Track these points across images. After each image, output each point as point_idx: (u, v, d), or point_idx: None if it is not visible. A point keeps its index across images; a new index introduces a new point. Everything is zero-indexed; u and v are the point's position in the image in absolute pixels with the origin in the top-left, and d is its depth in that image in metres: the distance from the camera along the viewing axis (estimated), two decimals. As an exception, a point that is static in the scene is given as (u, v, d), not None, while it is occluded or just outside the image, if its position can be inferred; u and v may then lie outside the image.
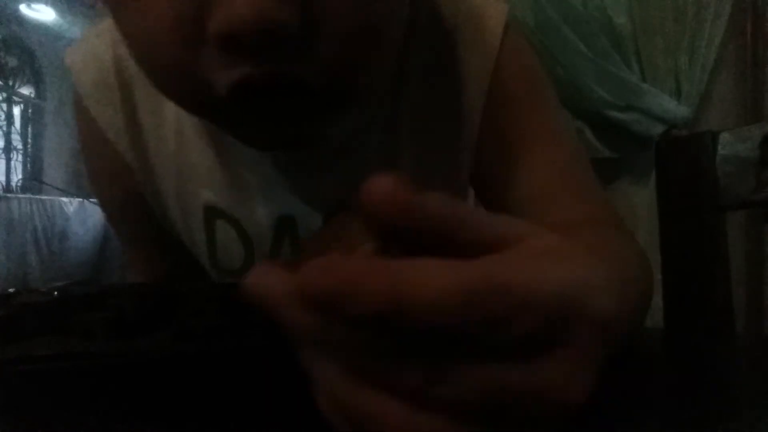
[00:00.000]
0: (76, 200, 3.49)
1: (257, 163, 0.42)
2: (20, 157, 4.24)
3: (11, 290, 0.25)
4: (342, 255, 0.14)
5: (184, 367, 0.21)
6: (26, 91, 4.18)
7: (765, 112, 1.30)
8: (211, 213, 0.45)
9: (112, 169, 0.46)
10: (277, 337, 0.23)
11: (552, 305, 0.14)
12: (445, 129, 0.42)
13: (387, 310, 0.13)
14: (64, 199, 3.47)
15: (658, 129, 1.33)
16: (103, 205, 0.51)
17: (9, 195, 3.29)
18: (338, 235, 0.16)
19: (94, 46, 0.44)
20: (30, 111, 4.27)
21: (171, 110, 0.43)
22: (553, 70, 1.37)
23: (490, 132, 0.42)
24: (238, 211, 0.44)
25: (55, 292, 0.24)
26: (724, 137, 0.53)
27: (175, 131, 0.44)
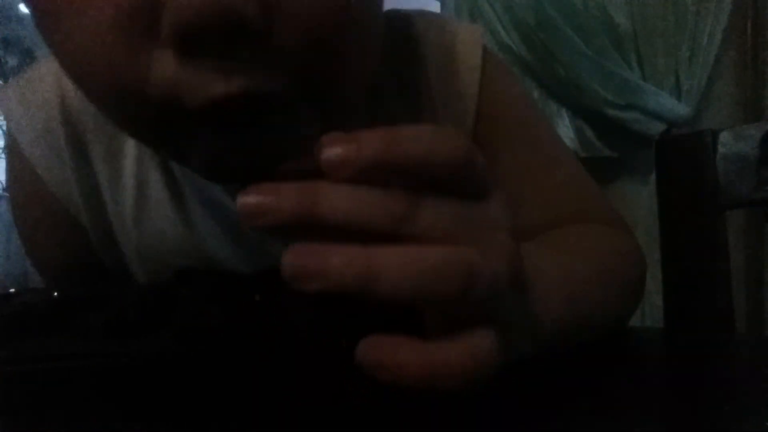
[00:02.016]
0: (76, 200, 3.47)
1: (229, 228, 0.38)
2: (20, 157, 4.20)
3: (11, 290, 0.25)
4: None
5: (183, 367, 0.21)
6: (26, 90, 4.15)
7: (765, 111, 1.30)
8: (184, 272, 0.38)
9: (59, 229, 0.39)
10: (277, 338, 0.23)
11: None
12: None
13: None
14: (64, 198, 3.45)
15: (658, 128, 1.33)
16: (41, 267, 0.42)
17: (9, 194, 3.26)
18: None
19: (35, 87, 0.37)
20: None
21: (130, 167, 0.37)
22: (553, 70, 1.37)
23: None
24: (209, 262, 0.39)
25: (55, 293, 0.24)
26: (725, 136, 0.53)
27: (135, 191, 0.38)
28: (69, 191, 0.38)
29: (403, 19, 0.40)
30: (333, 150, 0.16)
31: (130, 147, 0.37)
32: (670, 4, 1.32)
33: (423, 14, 0.41)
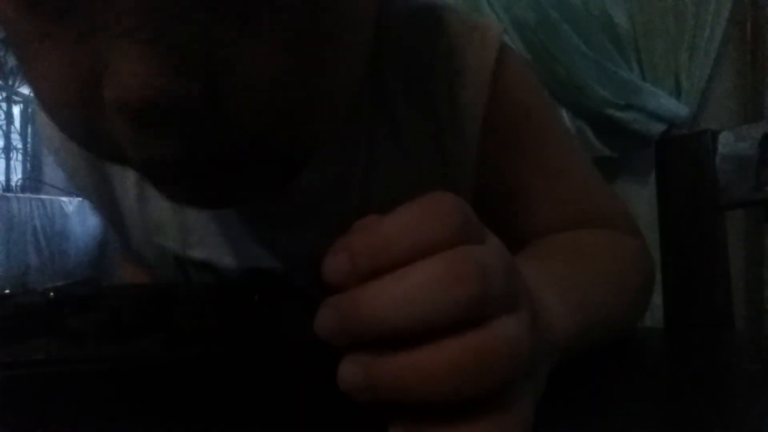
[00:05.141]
0: (76, 200, 3.48)
1: (220, 219, 0.39)
2: (20, 157, 4.23)
3: (6, 291, 0.25)
4: None
5: (177, 370, 0.20)
6: (26, 90, 4.15)
7: (765, 111, 1.29)
8: (182, 260, 0.42)
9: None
10: (272, 340, 0.23)
11: None
12: (434, 176, 0.39)
13: None
14: (64, 198, 3.47)
15: (658, 128, 1.33)
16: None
17: (9, 194, 3.28)
18: None
19: None
20: (30, 110, 4.25)
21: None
22: (553, 70, 1.37)
23: (487, 175, 0.39)
24: (207, 258, 0.41)
25: (51, 293, 0.23)
26: (724, 136, 0.53)
27: (134, 183, 0.40)
28: (84, 180, 0.42)
29: (427, 11, 0.38)
30: (331, 272, 0.16)
31: None
32: (670, 4, 1.32)
33: (445, 8, 0.39)
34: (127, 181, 0.41)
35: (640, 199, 1.34)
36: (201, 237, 0.40)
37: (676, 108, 1.32)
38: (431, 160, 0.38)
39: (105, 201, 0.42)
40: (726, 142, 0.52)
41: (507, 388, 0.16)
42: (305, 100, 0.23)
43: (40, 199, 3.33)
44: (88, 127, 0.23)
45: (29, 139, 4.24)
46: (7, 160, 3.99)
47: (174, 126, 0.21)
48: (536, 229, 0.39)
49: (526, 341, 0.17)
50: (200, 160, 0.23)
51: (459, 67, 0.37)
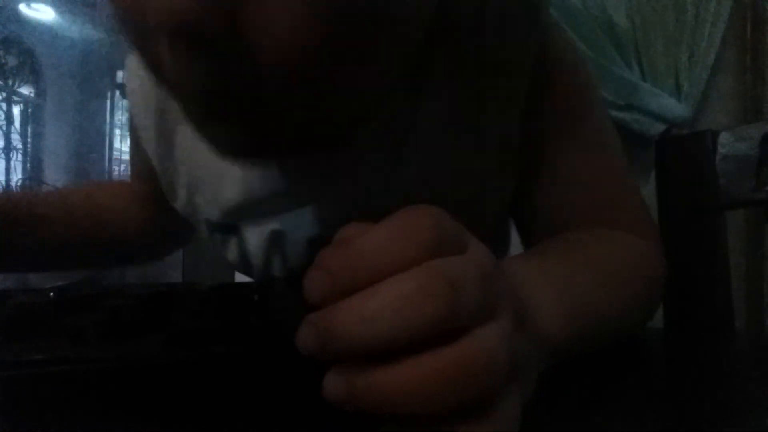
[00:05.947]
0: (76, 200, 3.47)
1: (254, 187, 0.41)
2: (20, 157, 4.22)
3: (6, 291, 0.25)
4: None
5: (176, 371, 0.20)
6: (26, 90, 4.15)
7: (765, 111, 1.29)
8: (212, 226, 0.46)
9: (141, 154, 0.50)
10: (271, 341, 0.23)
11: None
12: (474, 142, 0.38)
13: None
14: (64, 198, 3.46)
15: (658, 128, 1.33)
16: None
17: (9, 195, 3.26)
18: None
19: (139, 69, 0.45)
20: (30, 111, 4.25)
21: (179, 142, 0.45)
22: (552, 70, 1.36)
23: (529, 130, 0.39)
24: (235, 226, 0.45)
25: (51, 293, 0.23)
26: (724, 136, 0.53)
27: (182, 161, 0.46)
28: (151, 144, 0.47)
29: None
30: (311, 290, 0.16)
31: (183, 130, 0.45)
32: (670, 4, 1.32)
33: None
34: (185, 140, 0.45)
35: (640, 199, 1.34)
36: (231, 199, 0.43)
37: (676, 108, 1.32)
38: (472, 140, 0.38)
39: (163, 156, 0.47)
40: (726, 142, 0.52)
41: (488, 395, 0.16)
42: (341, 54, 0.22)
43: (40, 199, 3.32)
44: (149, 54, 0.23)
45: (29, 139, 4.23)
46: (7, 160, 3.98)
47: (201, 51, 0.21)
48: (554, 211, 0.40)
49: (503, 350, 0.17)
50: (231, 93, 0.23)
51: (515, 29, 0.37)
